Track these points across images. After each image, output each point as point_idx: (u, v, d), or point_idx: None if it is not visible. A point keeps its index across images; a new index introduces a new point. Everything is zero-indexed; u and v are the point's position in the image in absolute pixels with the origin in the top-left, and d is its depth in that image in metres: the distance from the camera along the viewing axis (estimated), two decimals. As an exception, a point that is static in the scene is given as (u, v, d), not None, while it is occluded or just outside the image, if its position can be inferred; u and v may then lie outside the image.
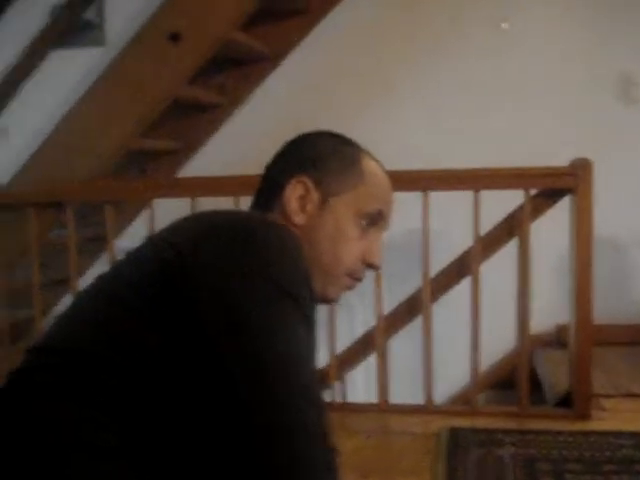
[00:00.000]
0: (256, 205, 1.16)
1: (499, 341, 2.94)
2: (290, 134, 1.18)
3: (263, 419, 0.82)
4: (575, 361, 2.35)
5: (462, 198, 2.37)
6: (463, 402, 2.84)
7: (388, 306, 2.61)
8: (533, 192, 2.38)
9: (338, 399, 2.60)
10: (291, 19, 3.35)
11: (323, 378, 2.46)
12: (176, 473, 0.86)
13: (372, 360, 2.61)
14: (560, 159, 2.32)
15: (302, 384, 0.86)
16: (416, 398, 2.51)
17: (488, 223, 2.47)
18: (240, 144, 3.41)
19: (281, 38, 3.36)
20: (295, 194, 1.10)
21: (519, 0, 3.23)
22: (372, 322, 2.57)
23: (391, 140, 3.15)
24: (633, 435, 2.15)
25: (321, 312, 1.07)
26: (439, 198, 2.40)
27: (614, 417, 2.36)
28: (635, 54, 3.15)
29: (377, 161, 1.17)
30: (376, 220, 1.13)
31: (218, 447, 0.83)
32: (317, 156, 1.12)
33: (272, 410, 0.82)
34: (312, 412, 0.86)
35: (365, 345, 2.69)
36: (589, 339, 2.33)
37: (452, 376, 3.01)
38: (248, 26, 3.09)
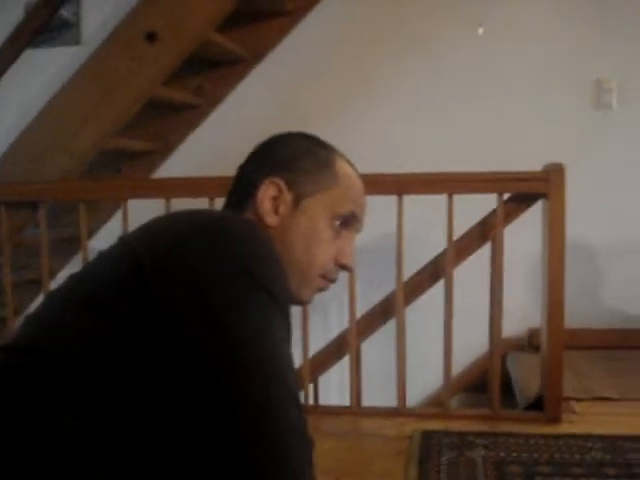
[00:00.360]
0: (228, 205, 1.16)
1: (472, 345, 2.97)
2: (267, 136, 1.19)
3: (244, 415, 0.82)
4: (546, 365, 2.36)
5: (439, 201, 2.38)
6: (436, 405, 2.85)
7: (364, 309, 2.62)
8: (506, 196, 2.40)
9: (311, 402, 2.61)
10: (269, 20, 3.35)
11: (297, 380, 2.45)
12: (154, 475, 0.85)
13: (346, 363, 2.62)
14: (533, 164, 2.34)
15: (281, 378, 0.86)
16: (389, 401, 2.51)
17: (466, 227, 2.49)
18: (216, 145, 3.41)
19: (258, 40, 3.36)
20: (268, 195, 1.10)
21: (497, 5, 3.26)
22: (346, 325, 2.57)
23: (367, 143, 3.16)
24: (602, 438, 2.17)
25: (295, 314, 1.07)
26: (416, 201, 2.41)
27: (584, 420, 2.38)
28: (608, 61, 3.19)
29: (350, 163, 1.17)
30: (349, 222, 1.14)
31: (198, 447, 0.83)
32: (290, 157, 1.12)
33: (253, 406, 0.82)
34: (291, 405, 0.86)
35: (339, 348, 2.69)
36: (560, 343, 2.34)
37: (425, 379, 3.03)
38: (225, 27, 3.08)
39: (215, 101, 3.46)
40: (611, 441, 2.15)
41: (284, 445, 0.83)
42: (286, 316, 0.95)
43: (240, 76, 3.43)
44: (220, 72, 3.42)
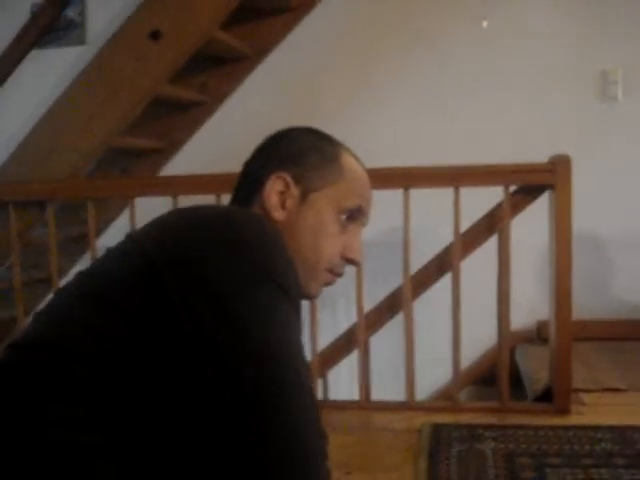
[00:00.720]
0: (235, 201, 1.17)
1: (480, 338, 2.97)
2: (272, 132, 1.19)
3: (253, 398, 0.83)
4: (555, 357, 2.37)
5: (446, 195, 2.38)
6: (445, 398, 2.86)
7: (370, 303, 2.62)
8: (513, 189, 2.39)
9: (320, 396, 2.61)
10: (273, 17, 3.35)
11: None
12: (165, 470, 0.85)
13: (355, 357, 2.62)
14: (540, 158, 2.34)
15: (292, 365, 0.87)
16: (398, 395, 2.52)
17: (472, 220, 2.49)
18: (222, 142, 3.42)
19: (262, 36, 3.37)
20: (275, 189, 1.10)
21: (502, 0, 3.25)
22: (355, 319, 2.57)
23: (372, 137, 3.16)
24: (612, 429, 2.17)
25: (304, 310, 1.08)
26: (422, 195, 2.41)
27: (593, 411, 2.38)
28: (613, 53, 3.18)
29: (356, 157, 1.18)
30: (356, 216, 1.14)
31: (207, 433, 0.83)
32: (297, 152, 1.13)
33: (263, 390, 0.83)
34: (303, 392, 0.87)
35: (347, 342, 2.69)
36: (569, 335, 2.35)
37: (434, 373, 3.03)
38: (230, 24, 3.09)
39: (220, 98, 3.46)
40: (620, 432, 2.15)
41: (294, 428, 0.84)
42: (297, 309, 0.96)
43: (245, 73, 3.44)
44: (225, 69, 3.43)
